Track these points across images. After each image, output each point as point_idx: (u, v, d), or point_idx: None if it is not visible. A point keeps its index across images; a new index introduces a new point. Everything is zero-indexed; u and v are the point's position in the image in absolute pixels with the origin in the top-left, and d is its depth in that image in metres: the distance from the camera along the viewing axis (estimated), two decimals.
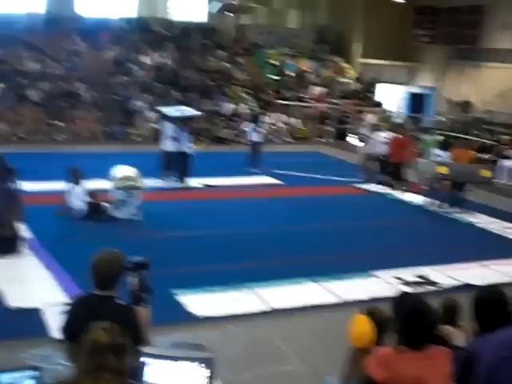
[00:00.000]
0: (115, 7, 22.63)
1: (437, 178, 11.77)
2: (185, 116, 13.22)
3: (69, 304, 3.97)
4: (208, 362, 2.88)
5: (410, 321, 3.18)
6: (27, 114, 17.61)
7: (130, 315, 3.54)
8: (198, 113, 14.50)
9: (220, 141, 18.89)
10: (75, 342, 3.47)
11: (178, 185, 12.69)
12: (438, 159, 12.31)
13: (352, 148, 15.71)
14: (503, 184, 15.02)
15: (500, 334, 3.00)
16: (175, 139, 12.75)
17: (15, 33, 19.93)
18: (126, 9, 22.91)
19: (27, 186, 10.66)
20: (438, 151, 12.71)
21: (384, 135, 14.03)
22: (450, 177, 11.70)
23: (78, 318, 3.60)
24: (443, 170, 11.63)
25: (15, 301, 6.51)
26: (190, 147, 12.81)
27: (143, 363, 2.92)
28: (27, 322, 6.15)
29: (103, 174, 11.05)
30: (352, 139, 15.76)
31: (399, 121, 19.06)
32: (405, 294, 3.74)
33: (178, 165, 12.84)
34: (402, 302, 3.42)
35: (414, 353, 3.15)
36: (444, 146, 13.27)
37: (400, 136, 13.57)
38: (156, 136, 17.97)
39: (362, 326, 3.81)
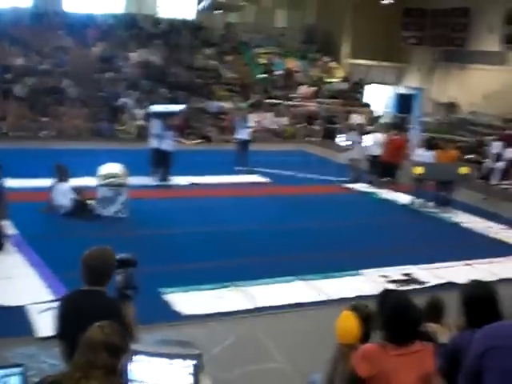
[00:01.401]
0: (102, 3, 22.48)
1: (416, 179, 11.85)
2: (165, 112, 13.20)
3: (58, 301, 3.93)
4: (194, 359, 2.87)
5: (394, 317, 3.20)
6: (12, 109, 17.44)
7: (119, 310, 3.53)
8: (179, 108, 14.26)
9: (207, 139, 18.86)
10: (66, 338, 3.47)
11: (159, 182, 12.63)
12: (420, 159, 12.41)
13: (339, 148, 15.75)
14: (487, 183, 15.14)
15: (485, 327, 3.03)
16: (158, 136, 12.72)
17: (1, 27, 19.75)
18: (113, 5, 22.79)
19: (12, 182, 10.60)
20: (421, 151, 12.79)
21: (373, 136, 14.07)
22: (425, 177, 11.82)
23: (67, 315, 3.57)
24: (418, 170, 11.74)
25: None
26: (169, 144, 12.72)
27: (129, 360, 2.90)
28: (12, 320, 6.09)
29: (89, 171, 10.99)
30: (339, 140, 15.79)
31: (392, 121, 19.15)
32: (389, 290, 3.76)
33: (161, 162, 12.82)
34: (385, 298, 3.44)
35: (399, 349, 3.16)
36: (428, 146, 13.37)
37: (396, 137, 13.64)
38: (142, 133, 18.00)
39: (347, 322, 3.82)
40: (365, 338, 3.66)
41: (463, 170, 11.99)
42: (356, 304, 3.97)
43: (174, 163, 12.67)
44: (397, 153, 13.46)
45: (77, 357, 2.67)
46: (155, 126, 12.93)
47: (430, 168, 11.85)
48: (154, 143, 12.83)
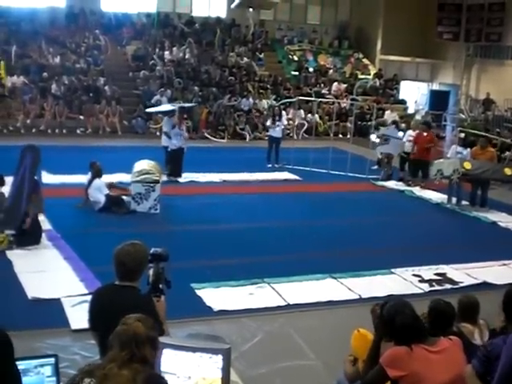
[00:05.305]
0: (136, 2, 22.71)
1: (457, 176, 11.61)
2: (166, 110, 13.28)
3: (91, 295, 3.99)
4: (224, 353, 2.88)
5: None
6: (49, 107, 17.77)
7: (150, 305, 3.55)
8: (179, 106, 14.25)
9: (239, 136, 18.92)
10: (98, 332, 3.53)
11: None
12: (459, 156, 12.22)
13: (372, 145, 15.61)
14: None
15: None
16: (165, 134, 12.83)
17: (37, 27, 20.15)
18: (146, 4, 22.99)
19: (49, 178, 10.83)
20: (458, 148, 12.59)
21: (410, 133, 13.91)
22: (472, 172, 11.56)
23: (99, 309, 3.62)
24: (467, 165, 11.48)
25: (34, 291, 6.57)
26: (172, 144, 12.59)
27: (160, 353, 2.93)
28: (46, 312, 6.20)
29: (123, 167, 11.14)
30: (373, 137, 15.61)
31: (425, 118, 18.88)
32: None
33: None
34: (385, 306, 3.51)
35: (424, 348, 3.20)
36: (465, 143, 13.16)
37: (424, 133, 13.44)
38: None
39: (360, 342, 3.93)
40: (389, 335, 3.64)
41: (508, 170, 11.70)
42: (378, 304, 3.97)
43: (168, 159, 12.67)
44: (426, 150, 13.26)
45: (115, 351, 2.68)
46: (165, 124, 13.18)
47: (476, 165, 11.58)
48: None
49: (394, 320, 3.30)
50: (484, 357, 3.24)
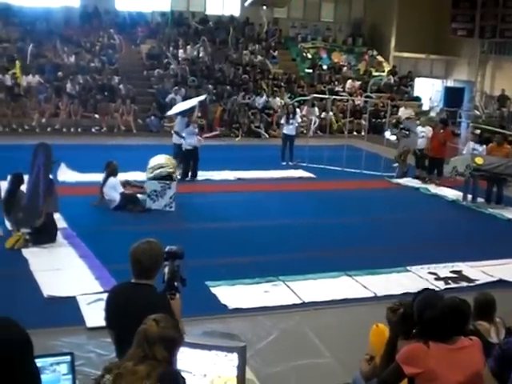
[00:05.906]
0: (150, 1, 22.78)
1: (471, 173, 11.54)
2: (185, 110, 13.18)
3: (107, 293, 4.01)
4: (239, 351, 2.88)
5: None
6: (64, 106, 17.88)
7: (166, 304, 3.55)
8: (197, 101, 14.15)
9: (253, 134, 18.91)
10: (114, 330, 3.54)
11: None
12: (474, 153, 12.14)
13: (387, 142, 15.53)
14: None
15: None
16: (176, 133, 12.78)
17: (52, 26, 20.28)
18: (160, 2, 23.05)
19: (67, 174, 10.89)
20: (474, 145, 12.51)
21: (422, 129, 13.85)
22: (484, 167, 11.47)
23: (115, 307, 3.64)
24: (479, 160, 11.40)
25: (50, 289, 6.61)
26: (187, 143, 12.48)
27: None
28: (61, 310, 6.24)
29: (138, 165, 11.19)
30: (387, 133, 15.53)
31: (440, 115, 18.75)
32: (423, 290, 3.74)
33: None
34: (418, 296, 3.45)
35: (443, 346, 3.16)
36: (480, 140, 13.06)
37: (441, 131, 13.36)
38: None
39: (379, 337, 3.88)
40: (407, 334, 3.62)
41: None
42: (397, 303, 3.94)
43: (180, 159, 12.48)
44: (442, 147, 13.17)
45: (133, 349, 2.72)
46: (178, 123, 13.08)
47: (489, 160, 11.52)
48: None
49: (424, 312, 3.25)
50: (499, 356, 3.22)
